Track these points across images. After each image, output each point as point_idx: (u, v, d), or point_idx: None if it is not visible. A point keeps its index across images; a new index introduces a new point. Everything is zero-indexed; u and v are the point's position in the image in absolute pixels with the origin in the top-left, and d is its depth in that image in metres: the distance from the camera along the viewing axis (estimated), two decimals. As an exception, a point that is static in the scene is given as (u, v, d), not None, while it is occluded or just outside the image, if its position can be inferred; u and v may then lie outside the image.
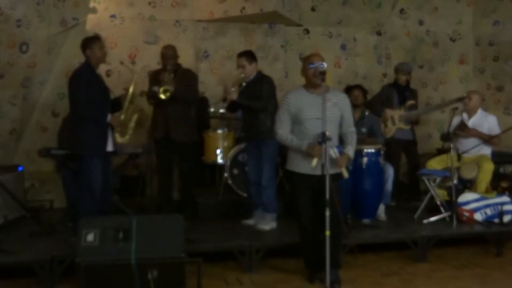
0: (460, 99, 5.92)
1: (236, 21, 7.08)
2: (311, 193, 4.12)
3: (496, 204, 5.29)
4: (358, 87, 6.01)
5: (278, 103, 4.77)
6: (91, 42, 4.80)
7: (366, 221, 5.32)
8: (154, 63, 6.12)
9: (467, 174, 5.64)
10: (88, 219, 4.09)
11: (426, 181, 5.63)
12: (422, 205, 5.60)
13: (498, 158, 6.12)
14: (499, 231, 5.10)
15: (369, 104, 6.05)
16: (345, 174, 4.10)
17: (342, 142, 4.25)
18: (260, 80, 5.20)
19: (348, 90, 5.86)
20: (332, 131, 4.03)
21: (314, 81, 4.09)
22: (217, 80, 7.07)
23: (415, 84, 7.22)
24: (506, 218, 5.24)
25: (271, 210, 5.18)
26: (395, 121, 6.26)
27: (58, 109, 6.48)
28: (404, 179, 6.81)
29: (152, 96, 5.31)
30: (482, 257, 4.92)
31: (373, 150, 5.29)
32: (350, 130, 4.23)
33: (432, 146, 7.41)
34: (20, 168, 5.77)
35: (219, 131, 6.11)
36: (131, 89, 4.94)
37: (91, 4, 6.61)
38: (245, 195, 5.75)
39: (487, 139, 5.73)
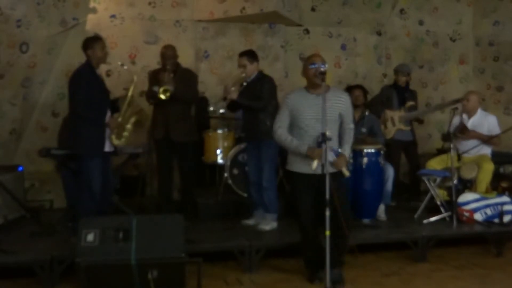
0: (457, 101, 5.91)
1: (236, 21, 7.08)
2: (312, 193, 4.12)
3: (496, 204, 5.29)
4: (359, 87, 6.02)
5: (279, 103, 4.78)
6: (92, 42, 4.80)
7: (366, 221, 5.32)
8: (154, 63, 6.12)
9: (467, 174, 5.64)
10: (88, 219, 4.09)
11: (426, 181, 5.63)
12: (422, 205, 5.60)
13: (498, 158, 6.12)
14: (499, 231, 5.09)
15: (368, 105, 6.05)
16: (346, 173, 4.11)
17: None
18: (261, 80, 5.19)
19: (349, 90, 5.86)
20: (332, 131, 4.04)
21: (314, 81, 4.10)
22: (217, 80, 7.07)
23: (415, 84, 7.23)
24: (506, 218, 5.24)
25: (272, 211, 5.18)
26: (395, 122, 6.26)
27: (58, 109, 6.48)
28: (405, 179, 6.81)
29: (152, 96, 5.31)
30: (482, 257, 4.92)
31: (373, 150, 5.29)
32: (349, 127, 4.23)
33: (432, 146, 7.42)
34: (20, 168, 5.76)
35: (219, 131, 6.11)
36: (130, 92, 4.94)
37: (91, 4, 6.61)
38: (245, 195, 5.75)
39: (487, 140, 5.73)
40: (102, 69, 5.15)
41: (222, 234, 4.96)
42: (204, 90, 6.87)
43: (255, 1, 6.74)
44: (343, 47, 7.64)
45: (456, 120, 5.84)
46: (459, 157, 5.68)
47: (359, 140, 5.29)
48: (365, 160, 5.25)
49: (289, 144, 4.15)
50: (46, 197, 6.34)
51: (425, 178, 5.66)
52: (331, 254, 3.84)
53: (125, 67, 5.13)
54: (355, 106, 5.56)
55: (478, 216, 5.25)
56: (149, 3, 6.87)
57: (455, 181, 5.37)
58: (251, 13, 6.82)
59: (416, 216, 5.51)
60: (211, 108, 6.53)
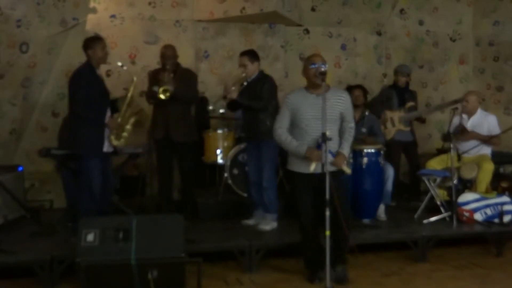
0: (457, 101, 5.90)
1: (236, 21, 7.08)
2: (312, 193, 4.12)
3: (496, 204, 5.29)
4: (359, 87, 6.03)
5: (279, 103, 4.78)
6: (93, 42, 4.81)
7: (366, 221, 5.32)
8: (154, 63, 6.12)
9: (467, 174, 5.63)
10: (88, 219, 4.09)
11: (426, 181, 5.63)
12: (422, 205, 5.59)
13: (498, 158, 6.12)
14: (499, 231, 5.09)
15: (368, 106, 6.05)
16: (347, 171, 4.13)
17: None
18: (262, 80, 5.19)
19: (349, 90, 5.85)
20: (332, 131, 4.05)
21: (314, 81, 4.11)
22: (217, 80, 7.07)
23: (415, 84, 7.23)
24: (506, 218, 5.24)
25: (272, 211, 5.17)
26: (394, 123, 6.26)
27: (58, 109, 6.48)
28: (405, 179, 6.81)
29: (151, 96, 5.31)
30: (482, 257, 4.92)
31: (373, 150, 5.29)
32: (350, 126, 4.24)
33: (432, 146, 7.42)
34: (20, 168, 5.76)
35: (219, 131, 6.10)
36: (130, 93, 4.94)
37: (91, 4, 6.61)
38: (245, 195, 5.75)
39: (487, 140, 5.73)
40: (102, 69, 5.15)
41: (222, 234, 4.96)
42: (204, 90, 6.87)
43: (255, 1, 6.74)
44: (343, 47, 7.64)
45: (456, 120, 5.84)
46: (459, 157, 5.68)
47: (359, 140, 5.29)
48: (365, 160, 5.25)
49: (288, 145, 4.16)
50: (46, 197, 6.34)
51: (425, 178, 5.66)
52: (332, 253, 3.86)
53: (125, 68, 5.13)
54: (355, 106, 5.54)
55: (478, 216, 5.25)
56: (149, 3, 6.87)
57: (455, 181, 5.37)
58: (251, 13, 6.82)
59: (416, 216, 5.51)
60: (211, 107, 6.52)
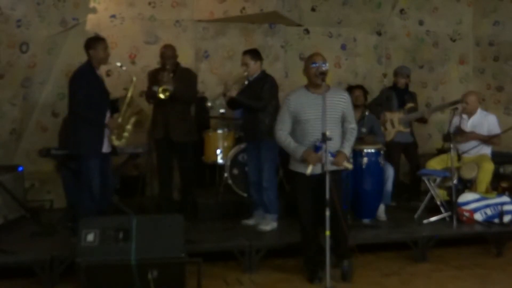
0: (456, 102, 5.88)
1: (236, 21, 7.08)
2: (312, 192, 4.12)
3: (496, 204, 5.29)
4: (359, 87, 6.03)
5: (280, 103, 4.77)
6: (95, 42, 4.81)
7: (366, 221, 5.32)
8: (154, 63, 6.11)
9: (467, 174, 5.63)
10: (88, 219, 4.09)
11: (426, 181, 5.63)
12: (422, 205, 5.59)
13: (498, 158, 6.12)
14: (499, 231, 5.10)
15: (368, 107, 6.05)
16: (349, 166, 4.13)
17: None
18: (263, 80, 5.18)
19: (349, 90, 5.87)
20: (334, 131, 4.06)
21: (315, 81, 4.11)
22: (217, 80, 7.07)
23: (415, 84, 7.22)
24: (506, 218, 5.24)
25: (272, 211, 5.17)
26: (394, 124, 6.25)
27: (58, 109, 6.48)
28: (405, 180, 6.81)
29: (151, 96, 5.31)
30: (482, 257, 4.92)
31: (373, 150, 5.29)
32: (351, 126, 4.26)
33: (432, 146, 7.41)
34: (20, 168, 5.76)
35: (219, 131, 6.10)
36: (129, 93, 4.94)
37: (91, 4, 6.61)
38: (245, 195, 5.76)
39: (487, 140, 5.73)
40: (102, 69, 5.15)
41: (222, 234, 4.96)
42: (204, 90, 6.87)
43: (255, 1, 6.74)
44: (343, 47, 7.64)
45: (456, 120, 5.83)
46: (459, 157, 5.68)
47: (359, 139, 5.29)
48: (365, 160, 5.25)
49: (287, 146, 4.18)
50: (46, 197, 6.33)
51: (425, 178, 5.66)
52: (333, 252, 3.87)
53: (124, 68, 5.13)
54: (355, 106, 5.55)
55: (478, 216, 5.25)
56: (149, 3, 6.87)
57: (455, 181, 5.36)
58: (251, 13, 6.82)
59: (416, 216, 5.51)
60: (209, 104, 6.51)
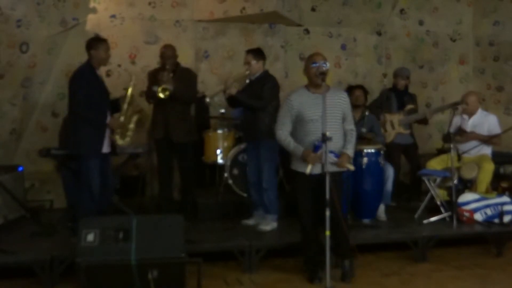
0: (456, 104, 5.87)
1: (236, 21, 7.08)
2: (313, 192, 4.12)
3: (496, 204, 5.29)
4: (360, 87, 6.03)
5: (281, 103, 4.77)
6: (97, 42, 4.82)
7: (366, 221, 5.32)
8: (154, 63, 6.11)
9: (467, 174, 5.63)
10: (88, 219, 4.09)
11: (426, 181, 5.63)
12: (422, 205, 5.59)
13: (498, 158, 6.11)
14: (499, 231, 5.09)
15: (368, 109, 6.04)
16: (351, 168, 4.14)
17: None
18: (264, 79, 5.17)
19: (350, 90, 5.87)
20: (335, 130, 4.07)
21: (315, 80, 4.12)
22: (217, 80, 7.06)
23: (415, 84, 7.22)
24: (506, 218, 5.24)
25: (272, 211, 5.17)
26: (394, 126, 6.25)
27: (58, 109, 6.48)
28: (405, 180, 6.81)
29: (151, 96, 5.31)
30: (482, 257, 4.92)
31: (373, 150, 5.28)
32: (350, 128, 4.27)
33: (432, 146, 7.41)
34: (20, 168, 5.76)
35: (219, 131, 6.10)
36: (129, 92, 4.94)
37: (91, 4, 6.61)
38: (245, 195, 5.75)
39: (487, 140, 5.73)
40: (102, 69, 5.15)
41: (222, 234, 4.96)
42: (204, 90, 6.85)
43: (255, 1, 6.74)
44: (343, 47, 7.63)
45: (456, 120, 5.84)
46: (459, 157, 5.67)
47: (359, 138, 5.28)
48: (365, 160, 5.24)
49: (287, 146, 4.19)
50: (46, 197, 6.33)
51: (425, 178, 5.66)
52: (334, 251, 3.87)
53: (122, 67, 5.13)
54: (355, 106, 5.58)
55: (478, 216, 5.25)
56: (149, 3, 6.87)
57: (455, 181, 5.36)
58: (251, 13, 6.82)
59: (416, 216, 5.51)
60: (207, 100, 6.45)
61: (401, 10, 7.77)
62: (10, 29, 5.70)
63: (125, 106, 4.96)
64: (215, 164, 6.06)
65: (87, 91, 4.62)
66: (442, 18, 7.91)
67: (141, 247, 3.89)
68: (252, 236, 4.82)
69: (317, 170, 4.02)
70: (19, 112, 6.26)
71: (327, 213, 3.80)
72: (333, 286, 3.84)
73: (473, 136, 5.76)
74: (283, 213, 5.33)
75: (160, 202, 5.52)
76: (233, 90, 5.12)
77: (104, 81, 4.96)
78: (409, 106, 6.32)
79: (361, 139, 5.36)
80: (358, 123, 5.43)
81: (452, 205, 5.23)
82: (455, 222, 5.15)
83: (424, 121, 6.47)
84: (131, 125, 4.93)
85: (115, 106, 4.97)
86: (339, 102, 4.19)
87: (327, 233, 3.80)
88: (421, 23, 7.87)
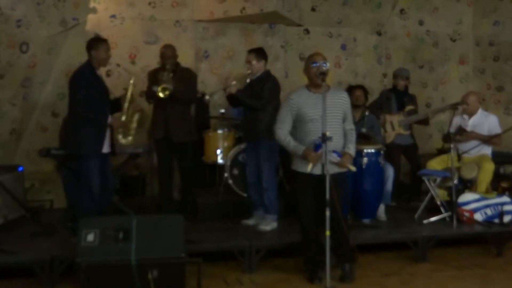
0: (456, 105, 5.86)
1: (236, 21, 7.08)
2: (314, 193, 4.12)
3: (496, 204, 5.29)
4: (360, 87, 6.03)
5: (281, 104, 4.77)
6: (98, 43, 4.82)
7: (366, 221, 5.32)
8: (154, 63, 6.11)
9: (468, 174, 5.63)
10: (88, 219, 4.09)
11: (426, 181, 5.63)
12: (422, 205, 5.59)
13: (499, 158, 6.12)
14: (499, 231, 5.09)
15: (368, 110, 6.04)
16: (352, 168, 4.14)
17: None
18: (265, 79, 5.17)
19: (350, 90, 5.86)
20: (335, 130, 4.07)
21: (315, 80, 4.12)
22: (217, 80, 7.06)
23: (415, 85, 7.22)
24: (506, 218, 5.24)
25: (272, 212, 5.16)
26: (394, 126, 6.25)
27: (58, 109, 6.48)
28: (405, 180, 6.81)
29: (151, 96, 5.31)
30: (482, 257, 4.92)
31: (373, 150, 5.28)
32: (350, 127, 4.28)
33: (432, 146, 7.41)
34: (20, 168, 5.76)
35: (219, 131, 6.10)
36: (129, 91, 4.95)
37: (91, 4, 6.61)
38: (245, 195, 5.75)
39: (487, 139, 5.73)
40: (102, 69, 5.16)
41: (222, 234, 4.96)
42: (204, 90, 6.85)
43: (255, 1, 6.74)
44: (343, 47, 7.63)
45: (456, 120, 5.84)
46: (459, 157, 5.67)
47: (359, 137, 5.28)
48: (365, 160, 5.24)
49: (287, 146, 4.19)
50: (46, 197, 6.33)
51: (425, 178, 5.66)
52: (335, 252, 3.86)
53: (121, 67, 5.13)
54: (356, 106, 5.58)
55: (478, 216, 5.25)
56: (149, 3, 6.87)
57: (455, 181, 5.36)
58: (251, 13, 6.82)
59: (416, 216, 5.50)
60: (207, 98, 6.44)
61: (401, 10, 7.77)
62: (10, 29, 5.70)
63: (126, 105, 4.96)
64: (215, 164, 6.06)
65: (87, 91, 4.62)
66: (442, 18, 7.91)
67: (141, 247, 3.89)
68: (252, 236, 4.82)
69: (319, 170, 4.01)
70: (19, 112, 6.26)
71: (327, 213, 3.80)
72: (333, 286, 3.84)
73: (473, 135, 5.76)
74: (283, 213, 5.33)
75: (160, 202, 5.52)
76: (233, 89, 5.13)
77: (104, 80, 4.96)
78: (409, 107, 6.32)
79: (361, 139, 5.36)
80: (358, 123, 5.43)
81: (452, 205, 5.23)
82: (455, 222, 5.15)
83: (425, 122, 6.47)
84: (133, 124, 4.93)
85: (116, 105, 4.98)
86: (340, 102, 4.19)
87: (327, 233, 3.80)
88: (421, 23, 7.87)
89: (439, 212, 5.40)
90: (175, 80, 5.23)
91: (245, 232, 5.02)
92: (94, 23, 6.63)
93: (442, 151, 6.33)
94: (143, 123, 5.92)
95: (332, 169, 4.00)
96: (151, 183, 6.11)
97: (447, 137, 5.52)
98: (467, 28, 8.03)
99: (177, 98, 5.23)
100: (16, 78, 6.05)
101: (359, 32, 7.67)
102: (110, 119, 4.80)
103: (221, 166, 6.01)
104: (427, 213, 5.48)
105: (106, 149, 4.77)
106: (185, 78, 5.39)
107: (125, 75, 6.08)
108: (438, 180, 5.61)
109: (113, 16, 6.76)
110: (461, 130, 5.77)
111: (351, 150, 4.19)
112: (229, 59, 7.11)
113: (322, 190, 3.85)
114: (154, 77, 5.33)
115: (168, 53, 5.34)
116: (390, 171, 5.62)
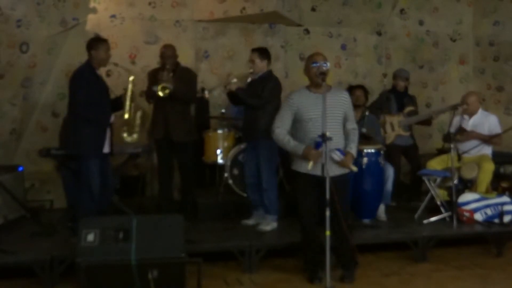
0: (456, 106, 5.85)
1: (236, 21, 7.08)
2: (315, 193, 4.12)
3: (496, 204, 5.29)
4: (360, 87, 6.02)
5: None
6: (98, 43, 4.82)
7: (366, 221, 5.31)
8: (154, 63, 6.11)
9: (468, 174, 5.63)
10: (88, 219, 4.09)
11: (426, 181, 5.63)
12: (422, 205, 5.59)
13: (499, 158, 6.11)
14: (499, 231, 5.09)
15: (368, 110, 6.04)
16: (354, 169, 4.14)
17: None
18: (266, 79, 5.17)
19: (350, 90, 5.85)
20: (335, 130, 4.06)
21: (315, 80, 4.12)
22: (217, 80, 7.06)
23: (415, 85, 7.22)
24: (506, 218, 5.24)
25: (272, 212, 5.16)
26: (394, 127, 6.24)
27: (58, 109, 6.48)
28: (405, 180, 6.81)
29: (151, 96, 5.31)
30: (482, 257, 4.92)
31: (373, 150, 5.28)
32: (352, 127, 4.26)
33: (432, 146, 7.41)
34: (20, 168, 5.76)
35: (219, 131, 6.10)
36: (129, 89, 4.95)
37: (91, 4, 6.61)
38: (245, 195, 5.74)
39: (487, 139, 5.73)
40: (102, 69, 5.16)
41: (222, 234, 4.96)
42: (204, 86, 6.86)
43: (255, 1, 6.74)
44: (343, 47, 7.63)
45: (456, 120, 5.83)
46: (459, 157, 5.67)
47: (360, 137, 5.27)
48: (365, 160, 5.24)
49: (287, 145, 4.17)
50: (46, 197, 6.33)
51: (425, 178, 5.66)
52: (335, 253, 3.86)
53: (120, 66, 5.13)
54: (356, 106, 5.56)
55: (478, 216, 5.25)
56: (149, 3, 6.87)
57: (455, 181, 5.36)
58: (251, 13, 6.82)
59: (416, 216, 5.50)
60: (206, 94, 6.42)
61: (401, 10, 7.77)
62: (10, 29, 5.70)
63: (127, 103, 4.96)
64: (215, 164, 6.06)
65: (87, 91, 4.62)
66: (442, 18, 7.91)
67: (141, 247, 3.89)
68: (252, 236, 4.82)
69: (319, 171, 3.99)
70: (19, 112, 6.26)
71: (327, 213, 3.79)
72: (333, 286, 3.84)
73: (473, 135, 5.76)
74: (283, 213, 5.33)
75: (160, 202, 5.52)
76: (234, 86, 5.13)
77: (104, 80, 4.96)
78: (409, 108, 6.31)
79: (361, 139, 5.35)
80: (358, 123, 5.42)
81: (452, 205, 5.23)
82: (455, 222, 5.15)
83: (427, 122, 6.46)
84: (137, 121, 4.94)
85: (117, 104, 4.98)
86: (340, 102, 4.18)
87: (327, 233, 3.80)
88: (421, 23, 7.87)
89: (439, 212, 5.40)
90: (175, 79, 5.23)
91: (245, 232, 5.02)
92: (94, 23, 6.63)
93: (442, 151, 6.33)
94: (143, 124, 5.93)
95: (334, 171, 3.99)
96: (151, 183, 6.11)
97: (447, 137, 5.52)
98: (467, 28, 8.03)
99: (177, 98, 5.23)
100: (16, 78, 6.06)
101: (359, 32, 7.67)
102: (113, 118, 4.79)
103: (221, 166, 6.01)
104: (427, 213, 5.48)
105: (106, 149, 4.77)
106: (185, 77, 5.39)
107: (125, 75, 6.06)
108: (438, 180, 5.61)
109: (113, 16, 6.76)
110: (461, 130, 5.77)
111: (353, 150, 4.18)
112: (229, 59, 7.11)
113: (322, 190, 3.85)
114: (154, 77, 5.33)
115: (168, 53, 5.34)
116: (390, 171, 5.62)
